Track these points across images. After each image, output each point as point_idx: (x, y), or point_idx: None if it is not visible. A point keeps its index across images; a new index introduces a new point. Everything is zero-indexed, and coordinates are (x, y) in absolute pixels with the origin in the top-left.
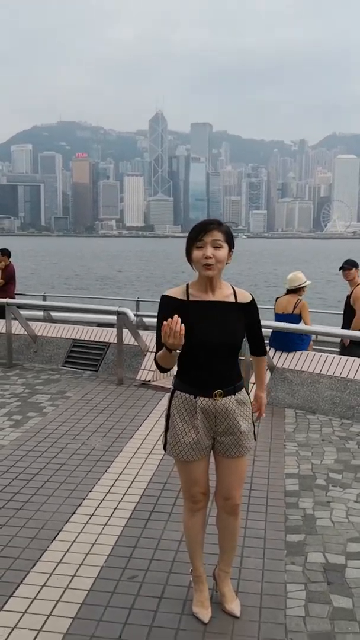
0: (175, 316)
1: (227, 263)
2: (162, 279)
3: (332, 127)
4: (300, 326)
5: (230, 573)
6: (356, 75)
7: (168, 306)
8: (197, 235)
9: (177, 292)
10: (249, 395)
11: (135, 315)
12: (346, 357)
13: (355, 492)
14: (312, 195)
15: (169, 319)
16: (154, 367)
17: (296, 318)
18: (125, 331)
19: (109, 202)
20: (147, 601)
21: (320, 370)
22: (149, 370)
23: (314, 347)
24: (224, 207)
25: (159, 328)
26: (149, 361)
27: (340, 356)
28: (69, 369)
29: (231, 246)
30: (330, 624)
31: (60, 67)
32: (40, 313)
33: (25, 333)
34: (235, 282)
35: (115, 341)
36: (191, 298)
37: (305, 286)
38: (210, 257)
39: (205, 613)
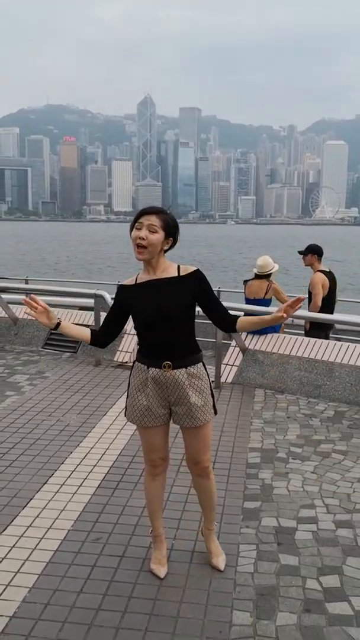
0: (27, 298)
1: (165, 250)
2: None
3: (321, 112)
4: (271, 309)
5: (213, 530)
6: (346, 60)
7: (119, 293)
8: (137, 218)
9: (129, 281)
10: (206, 370)
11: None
12: (314, 339)
13: (313, 464)
14: (300, 181)
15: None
16: (131, 348)
17: (267, 302)
18: (103, 314)
19: (97, 186)
20: (109, 560)
21: (290, 352)
22: (126, 351)
23: (286, 330)
24: (213, 192)
25: (112, 310)
26: (126, 343)
27: (309, 338)
28: (49, 350)
29: (170, 235)
30: (276, 579)
31: (45, 48)
32: (22, 296)
33: (6, 316)
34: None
35: (94, 324)
36: (138, 281)
37: (274, 271)
38: (143, 238)
39: (161, 569)
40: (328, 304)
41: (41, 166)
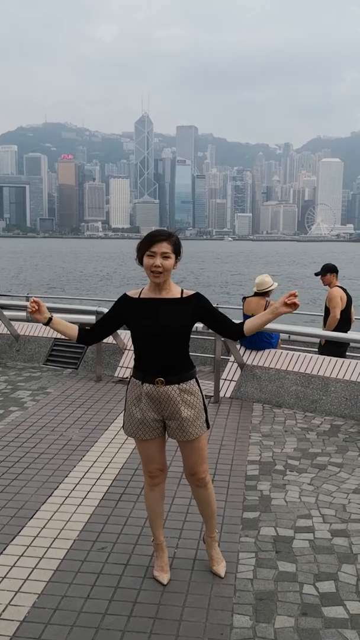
0: (32, 298)
1: (173, 268)
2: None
3: (316, 130)
4: (271, 326)
5: (214, 538)
6: (342, 78)
7: (120, 302)
8: (148, 245)
9: (133, 293)
10: (199, 386)
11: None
12: (311, 355)
13: (310, 476)
14: (296, 198)
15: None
16: (132, 364)
17: None
18: None
19: (95, 203)
20: (114, 567)
21: (287, 367)
22: (127, 367)
23: (284, 345)
24: (209, 209)
25: (107, 316)
26: (126, 359)
27: (305, 353)
28: (50, 366)
29: (178, 255)
30: (274, 585)
31: (43, 67)
32: (23, 313)
33: (8, 332)
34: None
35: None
36: (141, 296)
37: (272, 289)
38: (159, 266)
39: (164, 576)
40: (345, 321)
41: (39, 183)
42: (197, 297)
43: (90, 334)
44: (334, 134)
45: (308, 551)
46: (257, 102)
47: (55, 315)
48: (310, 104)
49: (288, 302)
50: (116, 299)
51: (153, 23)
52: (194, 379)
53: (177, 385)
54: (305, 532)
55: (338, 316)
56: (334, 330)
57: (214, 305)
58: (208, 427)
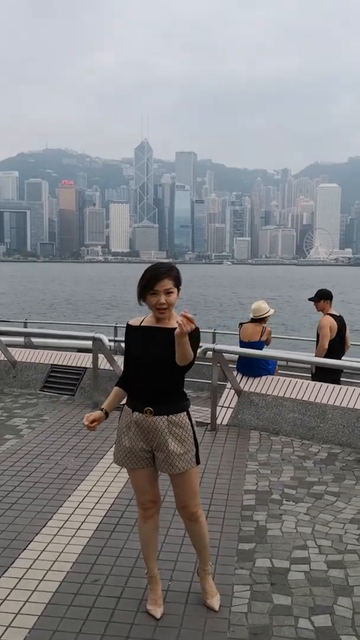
0: (86, 420)
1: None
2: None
3: (314, 156)
4: (268, 352)
5: (208, 571)
6: (338, 105)
7: (126, 333)
8: (150, 284)
9: (135, 321)
10: (190, 419)
11: (113, 340)
12: (308, 382)
13: (306, 506)
14: (294, 222)
15: (85, 418)
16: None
17: (261, 345)
18: (101, 356)
19: (95, 228)
20: (107, 601)
21: (284, 394)
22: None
23: (281, 371)
24: (209, 234)
25: (125, 352)
26: None
27: (303, 380)
28: (47, 393)
29: (179, 286)
30: (269, 619)
31: (44, 94)
32: (21, 339)
33: (5, 359)
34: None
35: (92, 366)
36: (142, 324)
37: (269, 315)
38: (163, 304)
39: (157, 610)
40: (337, 348)
41: (40, 208)
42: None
43: (126, 379)
44: (331, 159)
45: (304, 583)
46: (255, 129)
47: (105, 406)
48: (308, 130)
49: (183, 321)
50: (111, 326)
51: (152, 52)
52: (185, 412)
53: (166, 417)
54: (301, 564)
55: (326, 346)
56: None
57: (211, 331)
58: (198, 462)
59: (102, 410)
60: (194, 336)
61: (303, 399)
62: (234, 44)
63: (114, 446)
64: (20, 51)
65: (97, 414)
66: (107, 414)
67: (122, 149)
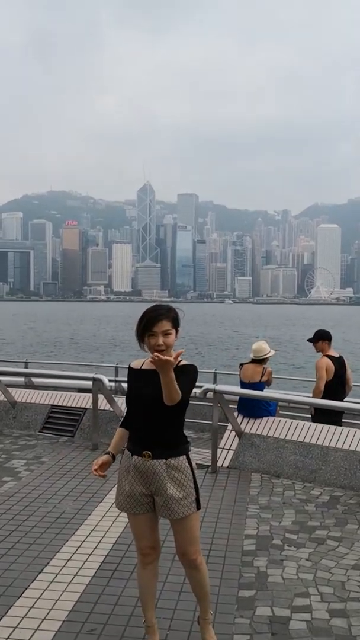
0: (95, 465)
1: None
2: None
3: (314, 197)
4: (268, 393)
5: (209, 620)
6: (337, 149)
7: (128, 376)
8: (149, 326)
9: (136, 364)
10: (190, 463)
11: (114, 381)
12: (309, 423)
13: (307, 551)
14: (295, 262)
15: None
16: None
17: (262, 386)
18: (101, 397)
19: (98, 268)
20: None
21: (285, 436)
22: None
23: (283, 412)
24: (210, 273)
25: (126, 393)
26: None
27: (304, 422)
28: (46, 434)
29: (177, 327)
30: None
31: (48, 137)
32: (21, 379)
33: (5, 399)
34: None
35: (92, 407)
36: (143, 367)
37: (269, 356)
38: (162, 345)
39: None
40: (335, 390)
41: (43, 248)
42: (187, 367)
43: (128, 420)
44: (331, 201)
45: (305, 633)
46: (256, 171)
47: (111, 449)
48: (307, 172)
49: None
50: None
51: (155, 96)
52: (185, 455)
53: (164, 460)
54: (302, 612)
55: (321, 388)
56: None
57: (212, 371)
58: (199, 507)
59: (108, 454)
60: (189, 372)
61: (304, 441)
62: (235, 89)
63: (113, 489)
64: (24, 94)
65: (104, 458)
66: (114, 457)
67: (125, 191)
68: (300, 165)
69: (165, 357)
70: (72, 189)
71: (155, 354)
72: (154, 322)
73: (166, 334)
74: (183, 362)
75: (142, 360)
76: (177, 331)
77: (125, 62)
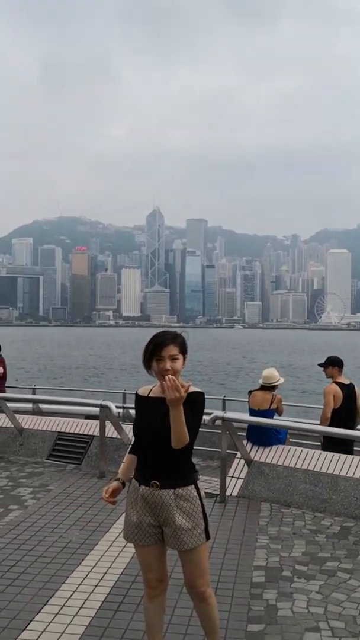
0: (105, 493)
1: (182, 367)
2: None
3: (323, 222)
4: (278, 421)
5: None
6: (347, 174)
7: (135, 403)
8: (156, 350)
9: (143, 390)
10: (199, 493)
11: (122, 407)
12: (319, 452)
13: (318, 584)
14: (305, 287)
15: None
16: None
17: (272, 413)
18: (108, 424)
19: (107, 293)
20: None
21: (295, 464)
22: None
23: (293, 440)
24: (219, 298)
25: (135, 419)
26: None
27: (315, 450)
28: (53, 462)
29: (185, 354)
30: None
31: (58, 163)
32: (29, 405)
33: (12, 426)
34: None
35: (99, 434)
36: (150, 395)
37: (279, 384)
38: (169, 370)
39: None
40: (345, 418)
41: (53, 274)
42: (195, 396)
43: (137, 447)
44: (340, 225)
45: None
46: (265, 196)
47: (120, 475)
48: (317, 197)
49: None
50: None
51: (164, 123)
52: (193, 485)
53: (172, 490)
54: None
55: (328, 415)
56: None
57: (221, 397)
58: (208, 538)
59: (118, 480)
60: (198, 406)
61: (315, 469)
62: (244, 116)
63: (120, 518)
64: (36, 122)
65: (114, 484)
66: (124, 484)
67: (135, 216)
68: (309, 190)
69: (178, 384)
70: (82, 215)
71: (170, 376)
72: (161, 346)
73: (174, 358)
74: (192, 389)
75: (150, 386)
76: (185, 357)
77: (135, 91)
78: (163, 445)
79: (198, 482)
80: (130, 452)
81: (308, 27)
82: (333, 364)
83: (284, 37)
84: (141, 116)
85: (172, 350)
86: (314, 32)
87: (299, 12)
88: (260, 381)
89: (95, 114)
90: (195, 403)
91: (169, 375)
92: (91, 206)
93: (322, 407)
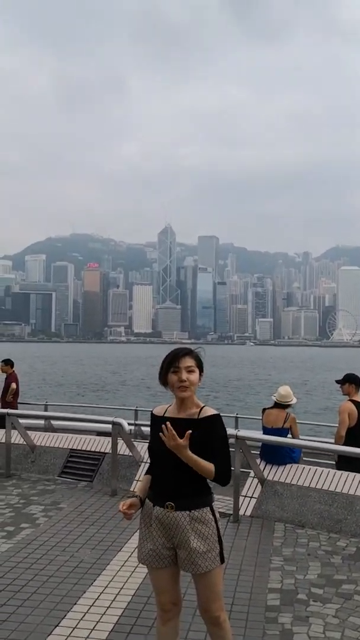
0: (122, 505)
1: (199, 383)
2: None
3: (335, 239)
4: (292, 440)
5: None
6: (358, 190)
7: (150, 422)
8: (172, 362)
9: (159, 410)
10: (214, 515)
11: (134, 424)
12: (334, 471)
13: (334, 607)
14: (317, 304)
15: (121, 505)
16: (138, 477)
17: (286, 432)
18: (120, 441)
19: (118, 309)
20: None
21: (310, 484)
22: (141, 481)
23: (306, 459)
24: (231, 314)
25: (150, 439)
26: (143, 472)
27: (329, 469)
28: (65, 479)
29: (201, 370)
30: None
31: (72, 181)
32: (41, 422)
33: (24, 443)
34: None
35: (111, 451)
36: (166, 414)
37: (293, 403)
38: (184, 381)
39: None
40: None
41: (65, 290)
42: (213, 420)
43: (152, 468)
44: (352, 243)
45: None
46: (276, 213)
47: (137, 492)
48: (328, 214)
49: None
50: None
51: (175, 141)
52: (209, 507)
53: (187, 512)
54: None
55: (342, 433)
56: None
57: (234, 415)
58: (222, 561)
59: (136, 497)
60: (215, 425)
61: (329, 489)
62: (254, 133)
63: (132, 537)
64: (49, 140)
65: (132, 500)
66: (141, 500)
67: (146, 233)
68: (320, 207)
69: (173, 433)
70: (94, 232)
71: (168, 424)
72: (177, 357)
73: (190, 370)
74: (209, 412)
75: (165, 406)
76: (201, 374)
77: (146, 109)
78: (179, 467)
79: (213, 504)
80: (147, 473)
81: (318, 46)
82: (350, 381)
83: (294, 56)
84: (152, 134)
85: (189, 361)
86: (324, 51)
87: (309, 31)
88: (275, 397)
89: (107, 131)
90: (213, 427)
91: (167, 423)
92: (103, 223)
93: (336, 425)
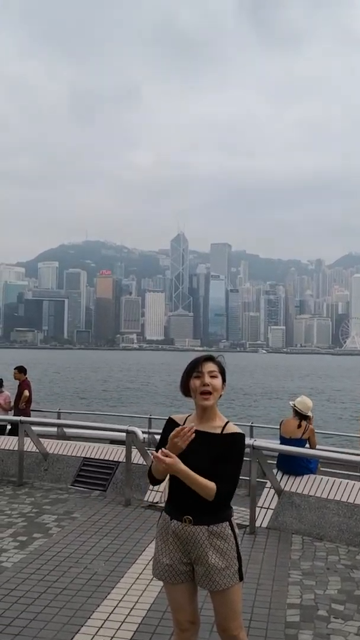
0: (161, 450)
1: (220, 395)
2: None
3: (348, 247)
4: (309, 450)
5: None
6: None
7: (168, 427)
8: (195, 366)
9: (179, 418)
10: (233, 530)
11: (147, 432)
12: (353, 482)
13: (356, 625)
14: (330, 312)
15: (161, 450)
16: (162, 487)
17: (304, 443)
18: (134, 450)
19: (131, 316)
20: None
21: (328, 495)
22: (157, 491)
23: (324, 469)
24: (243, 322)
25: (159, 443)
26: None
27: (348, 481)
28: (78, 488)
29: (225, 379)
30: None
31: (85, 188)
32: (54, 429)
33: (37, 450)
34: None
35: (125, 460)
36: (185, 423)
37: (311, 415)
38: (207, 385)
39: None
40: None
41: (78, 297)
42: (236, 439)
43: (170, 480)
44: None
45: None
46: (289, 221)
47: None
48: (341, 222)
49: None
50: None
51: (189, 149)
52: (228, 522)
53: (206, 527)
54: None
55: None
56: None
57: (249, 424)
58: (241, 578)
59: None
60: (235, 444)
61: (348, 501)
62: (268, 142)
63: (147, 548)
64: (62, 148)
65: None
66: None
67: (159, 241)
68: (333, 215)
69: (162, 458)
70: (107, 239)
71: (192, 427)
72: (200, 362)
73: (212, 375)
74: (233, 429)
75: (185, 415)
76: (224, 381)
77: (160, 118)
78: None
79: (232, 519)
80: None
81: (336, 55)
82: None
83: (310, 65)
84: (166, 141)
85: (211, 366)
86: (342, 60)
87: (326, 40)
88: (293, 403)
89: (121, 139)
90: (233, 446)
91: (192, 426)
92: (116, 230)
93: (354, 435)
